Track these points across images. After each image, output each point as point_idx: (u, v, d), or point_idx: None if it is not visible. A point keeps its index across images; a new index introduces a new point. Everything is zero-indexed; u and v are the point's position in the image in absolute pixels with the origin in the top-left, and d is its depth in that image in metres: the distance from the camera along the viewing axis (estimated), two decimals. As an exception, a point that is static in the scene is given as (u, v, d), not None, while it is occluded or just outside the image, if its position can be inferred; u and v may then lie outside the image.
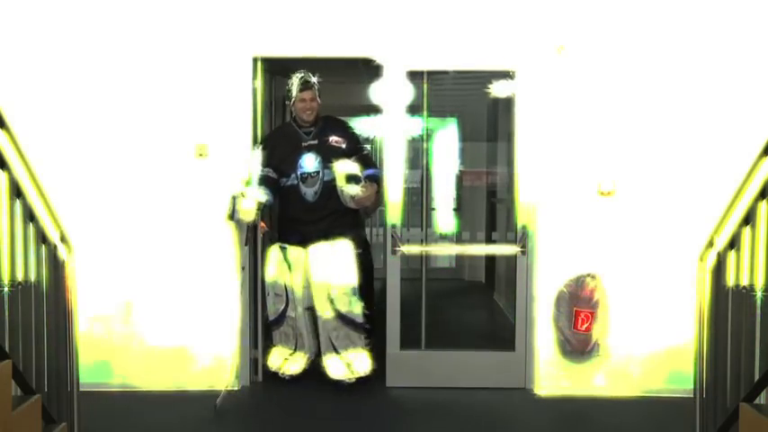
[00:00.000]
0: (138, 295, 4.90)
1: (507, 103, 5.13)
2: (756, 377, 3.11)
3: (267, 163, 4.81)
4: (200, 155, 4.87)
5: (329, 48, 4.87)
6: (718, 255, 3.49)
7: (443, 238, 8.11)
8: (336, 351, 4.79)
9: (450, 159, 7.78)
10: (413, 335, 5.03)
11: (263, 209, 4.99)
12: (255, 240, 5.11)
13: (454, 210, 8.11)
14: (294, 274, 4.86)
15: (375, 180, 4.80)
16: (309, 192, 4.79)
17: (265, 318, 5.05)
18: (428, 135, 5.60)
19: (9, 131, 3.04)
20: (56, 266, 3.41)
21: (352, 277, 4.77)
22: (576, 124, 4.83)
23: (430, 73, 4.95)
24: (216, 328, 4.93)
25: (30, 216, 3.15)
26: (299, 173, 4.78)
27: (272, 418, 4.52)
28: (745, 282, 3.28)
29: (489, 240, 5.46)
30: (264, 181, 4.79)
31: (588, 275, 4.86)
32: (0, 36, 4.73)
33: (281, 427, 4.42)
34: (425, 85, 5.02)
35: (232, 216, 4.62)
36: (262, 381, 5.11)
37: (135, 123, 4.84)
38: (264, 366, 5.04)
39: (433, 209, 7.57)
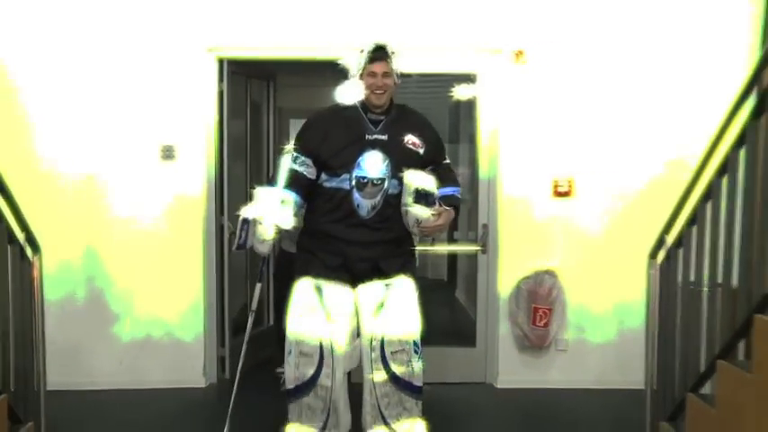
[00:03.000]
0: (108, 293, 4.91)
1: (469, 106, 5.18)
2: (702, 369, 3.23)
3: (308, 152, 3.40)
4: (167, 156, 4.86)
5: (295, 49, 4.89)
6: (668, 253, 3.61)
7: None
8: (386, 422, 3.43)
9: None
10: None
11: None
12: (223, 229, 5.09)
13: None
14: (336, 324, 3.36)
15: (454, 204, 3.51)
16: (365, 204, 3.36)
17: (281, 382, 3.66)
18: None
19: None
20: (22, 267, 3.40)
21: (414, 328, 3.43)
22: (534, 126, 4.90)
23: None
24: (184, 328, 4.96)
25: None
26: (354, 174, 3.34)
27: (239, 418, 4.52)
28: (692, 278, 3.40)
29: (451, 239, 5.50)
30: (296, 180, 3.40)
31: (546, 273, 4.92)
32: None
33: (247, 422, 4.42)
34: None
35: (242, 245, 3.52)
36: (228, 378, 5.09)
37: (104, 125, 4.84)
38: None
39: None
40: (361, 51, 3.39)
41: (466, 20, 4.82)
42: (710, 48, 4.79)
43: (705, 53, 4.80)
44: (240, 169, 5.40)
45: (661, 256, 3.67)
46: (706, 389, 3.29)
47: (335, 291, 3.37)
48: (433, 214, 3.34)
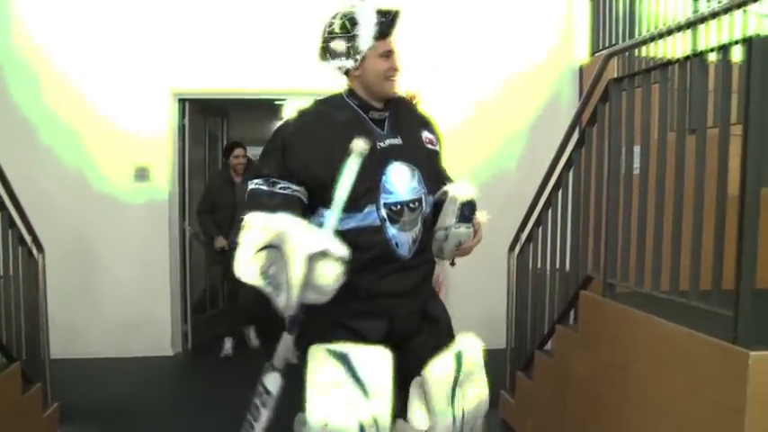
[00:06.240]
0: (97, 281, 4.87)
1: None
2: (545, 331, 3.40)
3: (297, 178, 1.89)
4: (142, 176, 4.85)
5: (237, 92, 4.91)
6: (522, 246, 3.74)
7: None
8: None
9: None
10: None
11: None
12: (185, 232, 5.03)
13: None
14: (378, 398, 1.82)
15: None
16: (405, 239, 1.94)
17: None
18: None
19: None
20: (29, 262, 3.41)
21: (487, 396, 2.05)
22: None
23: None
24: (155, 309, 4.93)
25: (10, 223, 3.15)
26: (382, 202, 1.91)
27: (199, 378, 4.57)
28: (539, 265, 3.53)
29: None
30: (292, 204, 1.86)
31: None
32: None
33: (206, 384, 4.45)
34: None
35: (295, 320, 1.76)
36: (191, 349, 5.12)
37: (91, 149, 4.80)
38: None
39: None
40: (353, 20, 1.89)
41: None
42: (552, 96, 5.02)
43: (549, 101, 4.99)
44: (199, 185, 5.34)
45: (517, 249, 3.74)
46: (548, 346, 3.39)
47: (368, 354, 1.84)
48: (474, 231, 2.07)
